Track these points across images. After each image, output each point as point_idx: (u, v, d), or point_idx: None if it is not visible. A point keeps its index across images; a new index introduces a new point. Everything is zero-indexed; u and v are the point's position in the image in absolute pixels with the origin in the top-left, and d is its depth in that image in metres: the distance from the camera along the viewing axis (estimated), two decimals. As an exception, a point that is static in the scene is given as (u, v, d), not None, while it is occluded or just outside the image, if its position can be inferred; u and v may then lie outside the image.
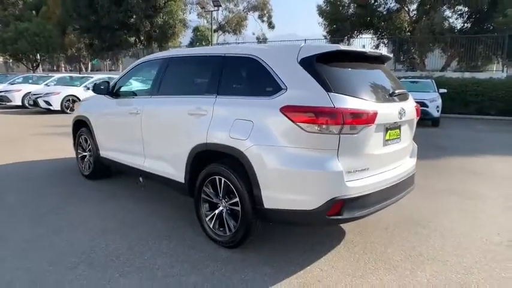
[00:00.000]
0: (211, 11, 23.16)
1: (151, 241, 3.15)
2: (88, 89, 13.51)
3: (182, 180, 3.34)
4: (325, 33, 24.59)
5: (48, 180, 4.90)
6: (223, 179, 2.94)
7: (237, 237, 2.87)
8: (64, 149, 6.79)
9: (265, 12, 30.10)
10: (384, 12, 22.09)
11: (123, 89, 4.34)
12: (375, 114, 2.57)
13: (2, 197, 4.24)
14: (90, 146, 4.77)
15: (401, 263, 2.85)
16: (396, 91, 2.98)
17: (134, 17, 31.18)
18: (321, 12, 23.85)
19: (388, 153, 2.88)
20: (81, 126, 4.97)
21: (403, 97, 3.09)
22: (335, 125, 2.42)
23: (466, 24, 20.36)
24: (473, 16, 19.13)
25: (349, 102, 2.48)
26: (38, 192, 4.40)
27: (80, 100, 13.16)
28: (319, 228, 3.41)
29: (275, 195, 2.61)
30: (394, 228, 3.47)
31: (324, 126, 2.43)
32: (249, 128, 2.69)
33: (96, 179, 4.89)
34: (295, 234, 3.29)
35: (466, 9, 19.40)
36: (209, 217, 3.13)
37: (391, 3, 22.16)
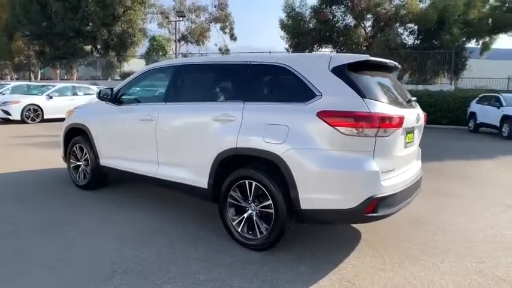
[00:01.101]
0: (176, 21, 22.92)
1: (178, 248, 3.12)
2: (51, 97, 12.80)
3: (205, 186, 3.35)
4: (287, 46, 25.39)
5: (40, 192, 4.61)
6: (254, 183, 3.01)
7: (271, 239, 2.95)
8: (38, 159, 6.42)
9: (227, 24, 30.42)
10: (342, 28, 23.33)
11: (128, 95, 4.26)
12: (403, 118, 2.80)
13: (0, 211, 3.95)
14: (86, 155, 4.58)
15: (421, 256, 3.09)
16: (412, 98, 3.26)
17: (91, 24, 30.10)
18: (283, 26, 24.65)
19: (407, 154, 3.14)
20: (75, 135, 4.77)
21: (415, 104, 3.38)
22: (372, 128, 2.61)
23: (416, 41, 22.13)
24: (423, 33, 20.81)
25: (381, 108, 2.69)
26: (36, 204, 4.12)
27: (42, 110, 12.46)
28: (334, 228, 3.58)
29: (313, 196, 2.74)
30: (404, 227, 3.72)
31: (361, 129, 2.61)
32: (285, 133, 2.81)
33: (92, 189, 4.69)
34: (316, 235, 3.42)
35: (416, 27, 21.10)
36: (237, 221, 3.16)
37: (348, 20, 23.52)
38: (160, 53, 39.20)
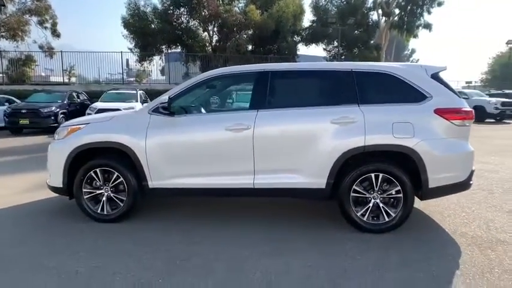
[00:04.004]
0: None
1: (350, 252, 3.19)
2: None
3: (322, 186, 3.55)
4: (131, 46, 23.84)
5: (62, 232, 3.49)
6: (380, 174, 3.48)
7: (402, 218, 3.51)
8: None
9: (48, 18, 25.66)
10: (189, 31, 23.67)
11: (188, 105, 3.78)
12: (469, 111, 3.86)
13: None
14: (119, 179, 3.75)
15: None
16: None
17: None
18: (126, 24, 22.99)
19: None
20: (89, 158, 3.81)
21: None
22: (470, 120, 3.57)
23: (253, 46, 24.88)
24: (263, 40, 23.59)
25: (466, 104, 3.67)
26: (97, 250, 3.19)
27: None
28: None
29: (438, 176, 3.46)
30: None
31: (465, 121, 3.53)
32: (411, 128, 3.42)
33: (120, 221, 3.86)
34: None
35: (254, 33, 23.67)
36: (361, 212, 3.55)
37: (192, 23, 24.02)
38: None
